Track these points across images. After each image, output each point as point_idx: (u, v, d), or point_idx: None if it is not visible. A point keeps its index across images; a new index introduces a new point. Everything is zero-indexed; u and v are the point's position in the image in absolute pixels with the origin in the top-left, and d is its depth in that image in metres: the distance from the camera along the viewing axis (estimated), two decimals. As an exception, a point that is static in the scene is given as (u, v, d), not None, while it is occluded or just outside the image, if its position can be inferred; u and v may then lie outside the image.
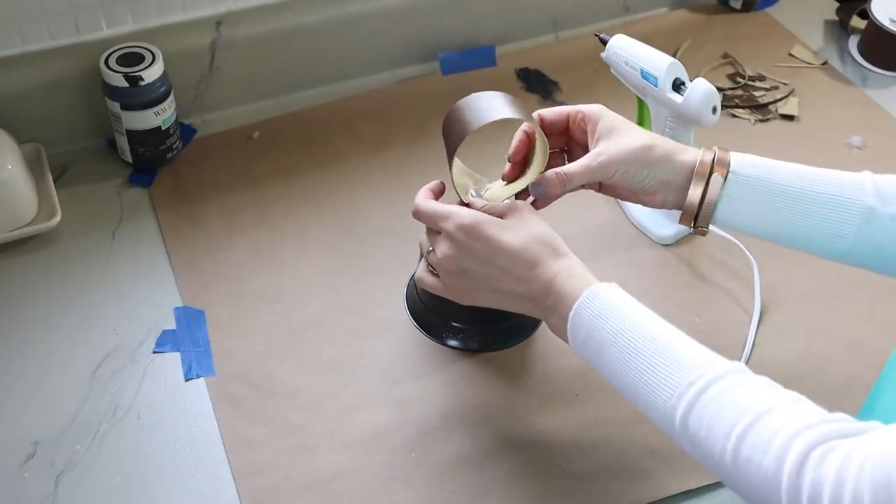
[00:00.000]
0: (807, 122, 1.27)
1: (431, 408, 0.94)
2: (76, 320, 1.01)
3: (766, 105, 1.28)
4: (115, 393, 0.95)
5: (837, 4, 1.45)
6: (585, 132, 0.90)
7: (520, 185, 0.91)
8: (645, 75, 1.02)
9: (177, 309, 1.02)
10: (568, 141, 0.93)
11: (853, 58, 1.37)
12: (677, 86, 1.01)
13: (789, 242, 0.87)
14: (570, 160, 0.92)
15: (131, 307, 1.03)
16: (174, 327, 1.01)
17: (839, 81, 1.34)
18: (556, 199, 0.90)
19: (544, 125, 0.91)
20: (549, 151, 0.90)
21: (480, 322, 0.98)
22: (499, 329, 0.98)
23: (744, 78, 1.32)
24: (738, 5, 1.44)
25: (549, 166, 0.90)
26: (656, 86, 1.01)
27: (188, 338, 1.00)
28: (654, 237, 1.10)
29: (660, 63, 1.02)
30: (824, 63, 1.36)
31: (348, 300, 1.04)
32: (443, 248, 0.85)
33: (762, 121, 1.27)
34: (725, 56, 1.37)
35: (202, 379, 0.96)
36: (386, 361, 0.98)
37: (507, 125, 0.86)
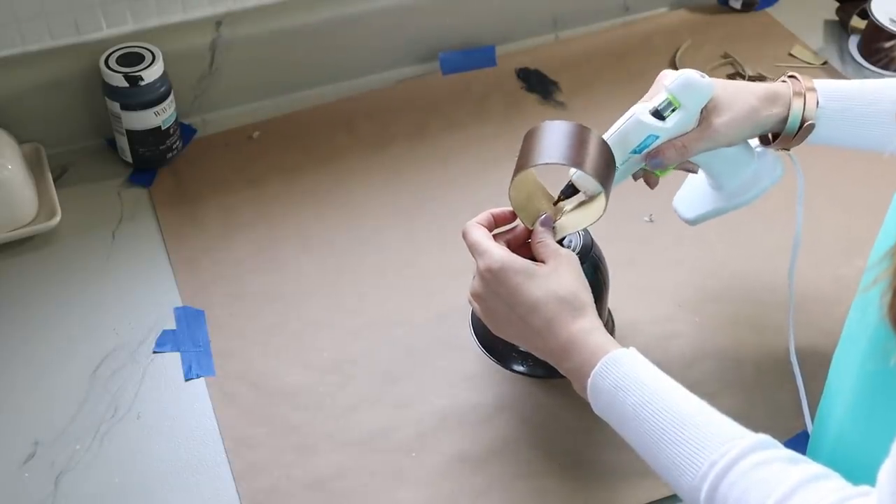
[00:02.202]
0: (807, 122, 1.27)
1: (431, 408, 0.94)
2: (76, 320, 1.02)
3: (766, 105, 1.28)
4: (115, 393, 0.95)
5: (837, 4, 1.45)
6: None
7: (587, 219, 0.89)
8: (644, 146, 0.91)
9: (177, 309, 1.02)
10: None
11: (853, 58, 1.37)
12: (661, 116, 0.90)
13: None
14: None
15: (131, 307, 1.03)
16: (174, 327, 1.01)
17: (839, 81, 1.34)
18: (671, 164, 0.89)
19: None
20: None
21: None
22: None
23: (744, 78, 1.32)
24: (738, 5, 1.44)
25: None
26: (659, 137, 0.90)
27: (188, 338, 1.00)
28: (681, 218, 1.10)
29: (636, 129, 0.90)
30: (824, 63, 1.36)
31: (348, 300, 1.04)
32: (474, 283, 0.86)
33: (762, 121, 1.27)
34: (725, 56, 1.36)
35: (202, 379, 0.96)
36: (386, 361, 0.98)
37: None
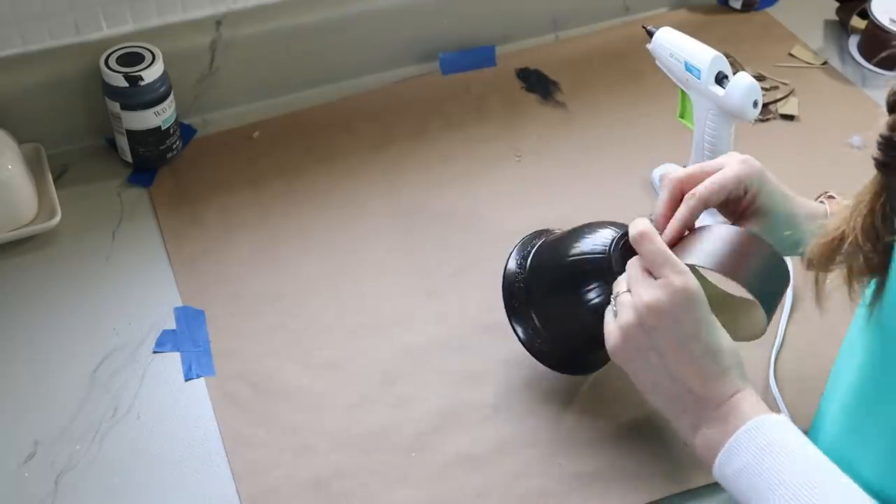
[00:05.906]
0: (807, 122, 1.27)
1: (431, 408, 0.94)
2: (76, 320, 1.02)
3: (766, 105, 1.28)
4: (115, 393, 0.95)
5: (837, 4, 1.45)
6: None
7: (740, 332, 0.81)
8: (688, 68, 1.04)
9: (177, 309, 1.02)
10: None
11: (853, 58, 1.37)
12: (720, 79, 1.03)
13: None
14: None
15: (131, 307, 1.03)
16: (174, 327, 1.01)
17: (839, 81, 1.34)
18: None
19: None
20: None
21: (566, 339, 0.92)
22: (588, 356, 0.94)
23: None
24: (738, 5, 1.44)
25: None
26: (699, 78, 1.03)
27: (188, 338, 1.00)
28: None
29: (703, 56, 1.03)
30: (824, 63, 1.36)
31: (348, 300, 1.04)
32: (652, 294, 0.74)
33: (762, 121, 1.27)
34: (725, 56, 1.36)
35: (202, 379, 0.96)
36: (386, 361, 0.98)
37: None
